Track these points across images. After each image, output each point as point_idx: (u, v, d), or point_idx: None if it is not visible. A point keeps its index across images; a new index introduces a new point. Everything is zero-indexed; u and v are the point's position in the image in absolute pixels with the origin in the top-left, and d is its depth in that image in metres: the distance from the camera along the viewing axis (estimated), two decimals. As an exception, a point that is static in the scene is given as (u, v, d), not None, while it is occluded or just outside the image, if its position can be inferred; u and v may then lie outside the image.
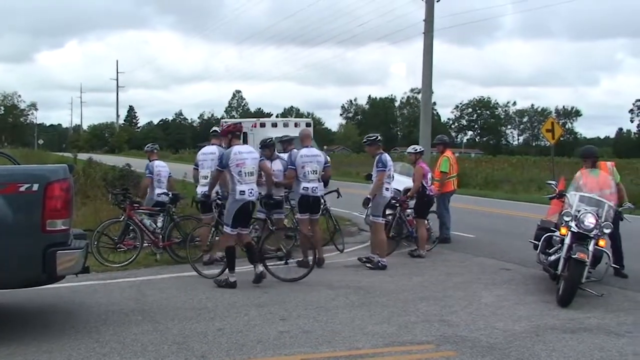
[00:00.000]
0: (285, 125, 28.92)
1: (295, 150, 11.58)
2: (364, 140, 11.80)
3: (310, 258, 10.60)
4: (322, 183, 11.48)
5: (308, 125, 28.15)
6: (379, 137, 11.68)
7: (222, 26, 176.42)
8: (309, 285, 9.84)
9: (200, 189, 11.43)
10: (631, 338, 7.37)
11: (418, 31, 30.22)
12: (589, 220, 8.95)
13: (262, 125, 28.96)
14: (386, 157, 11.37)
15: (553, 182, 10.72)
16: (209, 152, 11.69)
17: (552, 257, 9.32)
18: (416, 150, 13.23)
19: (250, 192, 9.73)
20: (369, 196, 11.23)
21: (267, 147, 11.80)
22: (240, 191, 9.64)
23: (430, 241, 13.24)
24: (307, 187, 11.23)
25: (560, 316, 8.26)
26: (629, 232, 10.81)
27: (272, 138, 12.39)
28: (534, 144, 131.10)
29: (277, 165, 11.60)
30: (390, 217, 12.63)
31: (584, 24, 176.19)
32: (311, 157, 11.37)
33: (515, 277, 10.69)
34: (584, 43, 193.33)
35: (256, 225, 11.19)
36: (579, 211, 9.09)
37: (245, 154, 9.87)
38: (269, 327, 7.63)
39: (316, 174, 11.30)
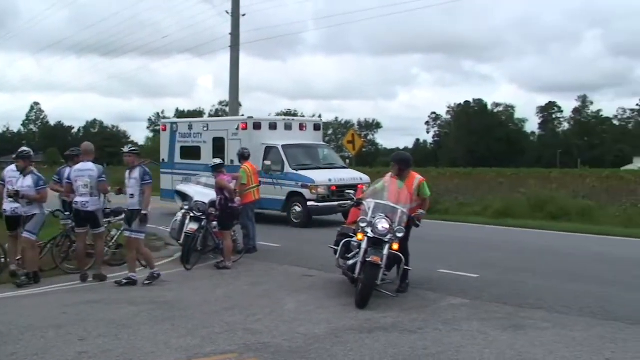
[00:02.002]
0: (288, 127, 21.56)
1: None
2: (131, 149, 11.32)
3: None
4: (96, 197, 11.26)
5: (317, 126, 22.69)
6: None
7: (18, 35, 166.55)
8: (110, 304, 9.58)
9: (9, 206, 11.17)
10: (422, 334, 7.87)
11: (224, 44, 30.39)
12: (383, 226, 9.44)
13: (257, 126, 20.79)
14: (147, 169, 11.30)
15: (352, 192, 11.15)
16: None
17: (350, 262, 9.71)
18: (212, 164, 13.31)
19: None
20: (144, 212, 10.84)
21: (22, 159, 11.30)
22: None
23: (236, 252, 13.33)
24: (77, 202, 11.19)
25: (358, 317, 8.65)
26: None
27: (25, 150, 11.48)
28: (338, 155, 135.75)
29: (27, 181, 11.10)
30: (196, 230, 12.62)
31: (381, 40, 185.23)
32: (83, 171, 11.21)
33: (317, 283, 11.04)
34: (382, 58, 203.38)
35: None
36: (374, 217, 9.56)
37: None
38: (67, 348, 7.34)
39: (87, 188, 11.13)
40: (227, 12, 30.37)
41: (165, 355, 7.08)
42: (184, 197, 14.16)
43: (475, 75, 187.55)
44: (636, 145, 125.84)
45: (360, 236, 9.60)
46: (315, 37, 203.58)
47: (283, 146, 20.16)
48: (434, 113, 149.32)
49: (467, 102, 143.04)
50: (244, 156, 15.03)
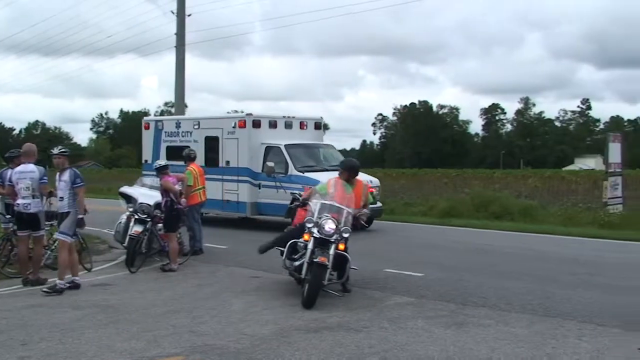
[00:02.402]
0: (288, 125, 20.00)
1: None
2: (61, 151, 10.91)
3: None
4: (38, 200, 11.00)
5: (317, 125, 21.03)
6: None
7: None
8: (53, 308, 9.40)
9: None
10: (368, 332, 7.96)
11: (170, 44, 30.22)
12: (329, 226, 9.50)
13: (256, 124, 19.12)
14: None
15: (296, 192, 11.19)
16: None
17: (297, 263, 9.74)
18: (157, 165, 13.19)
19: None
20: (80, 215, 10.63)
21: None
22: None
23: (182, 254, 13.23)
24: (19, 204, 10.95)
25: (305, 317, 8.69)
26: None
27: None
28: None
29: None
30: (141, 233, 12.50)
31: (328, 42, 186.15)
32: (25, 173, 10.98)
33: (264, 284, 11.05)
34: (329, 60, 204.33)
35: None
36: (320, 217, 9.61)
37: None
38: (9, 353, 7.19)
39: (29, 190, 10.90)
40: (173, 12, 30.18)
41: (109, 359, 6.99)
42: (128, 199, 13.99)
43: (421, 77, 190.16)
44: (577, 146, 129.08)
45: (306, 237, 9.63)
46: (261, 38, 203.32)
47: (286, 146, 18.76)
48: (381, 114, 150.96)
49: (412, 104, 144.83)
50: (190, 157, 14.95)
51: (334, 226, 9.51)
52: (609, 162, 21.87)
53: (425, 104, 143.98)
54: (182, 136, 20.98)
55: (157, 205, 12.91)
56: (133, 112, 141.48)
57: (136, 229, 12.56)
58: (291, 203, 11.26)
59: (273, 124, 19.52)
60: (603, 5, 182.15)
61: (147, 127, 22.65)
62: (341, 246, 9.63)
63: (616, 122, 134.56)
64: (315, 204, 9.92)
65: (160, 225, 12.88)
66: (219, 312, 9.06)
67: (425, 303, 9.56)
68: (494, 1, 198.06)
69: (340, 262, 9.68)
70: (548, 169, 69.21)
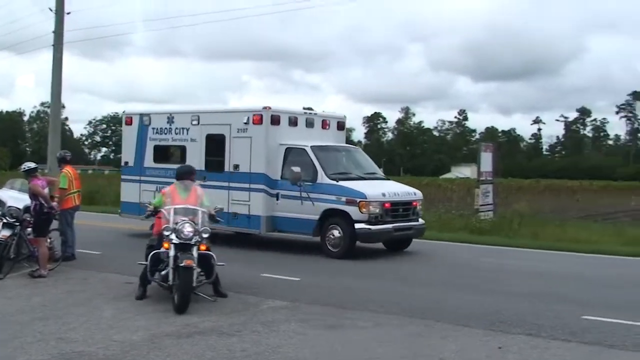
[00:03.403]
0: (310, 123, 16.65)
1: None
2: None
3: None
4: None
5: (341, 124, 17.70)
6: None
7: None
8: None
9: None
10: (240, 337, 7.99)
11: (47, 43, 29.09)
12: (188, 230, 9.51)
13: (274, 121, 15.72)
14: None
15: (146, 202, 10.86)
16: None
17: (163, 272, 9.65)
18: (25, 168, 12.72)
19: None
20: None
21: None
22: None
23: (53, 260, 12.80)
24: None
25: (177, 323, 8.62)
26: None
27: None
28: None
29: None
30: (9, 237, 12.02)
31: (212, 46, 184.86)
32: None
33: (138, 290, 10.85)
34: (213, 64, 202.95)
35: None
36: (177, 223, 9.58)
37: None
38: None
39: None
40: (51, 10, 29.13)
41: (-32, 368, 6.71)
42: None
43: (305, 84, 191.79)
44: (454, 155, 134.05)
45: (166, 245, 9.56)
46: (144, 40, 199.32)
47: (313, 148, 15.45)
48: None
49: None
50: (64, 159, 14.40)
51: (192, 229, 9.53)
52: (481, 170, 22.80)
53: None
54: (176, 133, 17.48)
55: (27, 209, 12.43)
56: (7, 112, 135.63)
57: (4, 233, 12.04)
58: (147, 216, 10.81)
59: (293, 121, 16.23)
60: (479, 20, 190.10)
61: (129, 122, 18.86)
62: (202, 247, 9.65)
63: (491, 133, 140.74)
64: (168, 211, 9.85)
65: (29, 229, 12.41)
66: (89, 318, 8.84)
67: (301, 306, 9.69)
68: (377, 12, 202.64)
69: (206, 262, 9.69)
70: (426, 177, 71.47)
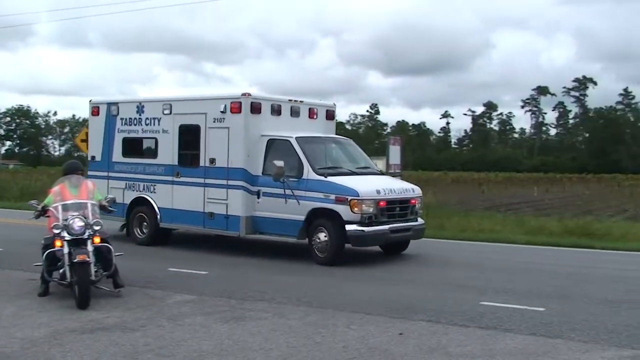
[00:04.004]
0: (295, 112, 15.02)
1: None
2: None
3: None
4: None
5: (330, 114, 16.41)
6: None
7: None
8: None
9: None
10: (144, 331, 7.97)
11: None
12: (78, 225, 9.44)
13: (255, 109, 14.08)
14: None
15: (34, 201, 10.61)
16: None
17: (61, 270, 9.51)
18: None
19: None
20: None
21: None
22: None
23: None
24: None
25: (81, 319, 8.52)
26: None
27: None
28: (76, 155, 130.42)
29: None
30: None
31: (121, 37, 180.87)
32: None
33: (41, 287, 10.63)
34: (122, 55, 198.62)
35: None
36: (66, 219, 9.49)
37: None
38: None
39: None
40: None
41: None
42: None
43: (217, 77, 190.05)
44: (366, 148, 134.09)
45: (59, 243, 9.45)
46: (49, 29, 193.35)
47: (299, 140, 13.85)
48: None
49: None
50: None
51: (82, 223, 9.46)
52: (389, 163, 23.24)
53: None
54: (146, 124, 15.80)
55: None
56: None
57: None
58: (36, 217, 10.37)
59: (276, 110, 14.56)
60: (389, 15, 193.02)
61: (96, 113, 16.98)
62: (97, 239, 9.58)
63: (402, 127, 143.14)
64: (56, 208, 9.74)
65: None
66: (-13, 317, 8.64)
67: (206, 300, 9.72)
68: (288, 5, 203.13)
69: (103, 254, 9.66)
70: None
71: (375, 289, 10.64)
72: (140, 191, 15.62)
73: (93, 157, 16.98)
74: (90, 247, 9.39)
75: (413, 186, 14.49)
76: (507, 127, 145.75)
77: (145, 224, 15.55)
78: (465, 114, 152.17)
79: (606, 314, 9.10)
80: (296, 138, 13.70)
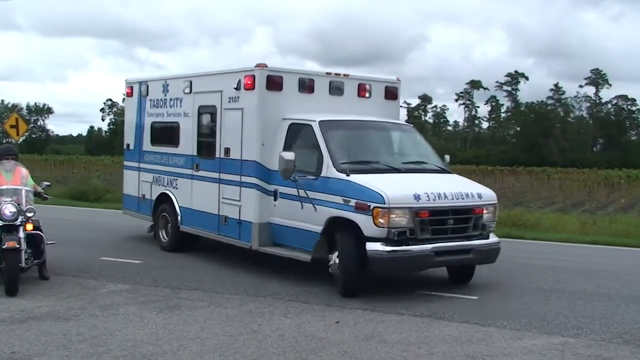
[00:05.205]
0: (337, 89, 11.47)
1: None
2: None
3: None
4: None
5: (391, 92, 12.51)
6: None
7: None
8: None
9: None
10: (77, 321, 7.84)
11: None
12: (10, 210, 9.30)
13: (273, 84, 10.85)
14: None
15: None
16: None
17: None
18: None
19: None
20: None
21: None
22: None
23: None
24: None
25: (12, 308, 8.32)
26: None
27: None
28: (5, 141, 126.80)
29: None
30: None
31: (51, 21, 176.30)
32: None
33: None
34: (52, 40, 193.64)
35: None
36: None
37: None
38: None
39: None
40: None
41: None
42: None
43: (151, 63, 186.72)
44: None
45: None
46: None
47: (323, 124, 10.39)
48: (110, 100, 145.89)
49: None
50: None
51: (14, 209, 9.34)
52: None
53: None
54: (170, 106, 13.12)
55: None
56: None
57: None
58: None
59: (307, 86, 11.19)
60: (326, 6, 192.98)
61: (130, 94, 14.55)
62: (29, 226, 9.48)
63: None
64: None
65: None
66: None
67: (141, 289, 9.61)
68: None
69: (35, 242, 9.61)
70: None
71: (314, 277, 10.66)
72: (165, 186, 13.12)
73: (128, 145, 14.59)
74: (22, 234, 9.25)
75: (481, 189, 10.44)
76: (442, 120, 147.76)
77: (169, 225, 13.01)
78: (400, 106, 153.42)
79: (538, 303, 9.36)
80: (319, 122, 10.35)
